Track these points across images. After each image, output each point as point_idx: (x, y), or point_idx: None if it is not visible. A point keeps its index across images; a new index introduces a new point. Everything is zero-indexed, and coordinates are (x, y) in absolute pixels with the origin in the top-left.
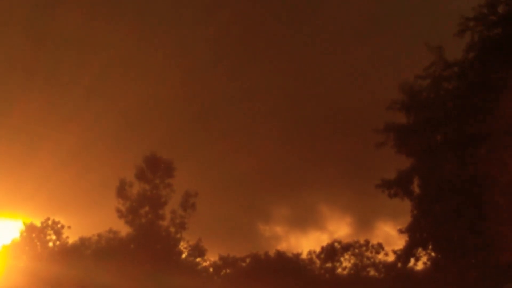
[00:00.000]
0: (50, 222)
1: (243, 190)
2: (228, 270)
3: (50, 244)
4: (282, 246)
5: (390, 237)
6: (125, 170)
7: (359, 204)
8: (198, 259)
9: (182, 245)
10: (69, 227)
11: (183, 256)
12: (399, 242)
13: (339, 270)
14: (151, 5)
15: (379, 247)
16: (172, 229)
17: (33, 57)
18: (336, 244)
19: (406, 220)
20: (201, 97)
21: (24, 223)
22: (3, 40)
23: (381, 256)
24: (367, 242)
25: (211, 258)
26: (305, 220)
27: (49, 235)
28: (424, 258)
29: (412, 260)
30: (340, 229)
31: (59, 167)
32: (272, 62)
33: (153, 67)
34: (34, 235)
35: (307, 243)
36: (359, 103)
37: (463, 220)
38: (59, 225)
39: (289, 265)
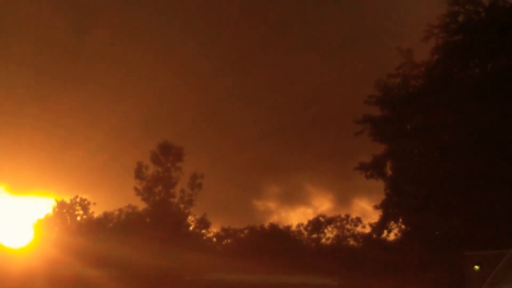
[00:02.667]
0: (78, 199)
1: (241, 172)
2: (229, 240)
3: (78, 218)
4: (274, 219)
5: (366, 212)
6: (142, 156)
7: (339, 184)
8: (203, 231)
9: (190, 219)
10: (94, 203)
11: (191, 228)
12: (374, 216)
13: (324, 240)
14: (170, 24)
15: (358, 220)
16: (182, 205)
17: (70, 68)
18: (320, 218)
19: (380, 197)
20: (209, 100)
21: (56, 200)
22: (47, 57)
23: (359, 228)
24: (347, 216)
25: (214, 229)
26: (293, 197)
27: (77, 210)
28: (395, 230)
29: (386, 232)
30: (323, 204)
31: (88, 154)
32: (269, 72)
33: (171, 74)
34: (64, 210)
35: (295, 217)
36: (341, 99)
37: (430, 198)
38: (86, 202)
39: (280, 236)
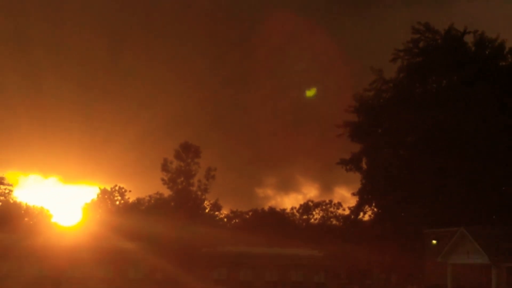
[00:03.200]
0: (117, 188)
1: (246, 166)
2: (236, 220)
3: (117, 202)
4: (272, 203)
5: (345, 197)
6: (167, 153)
7: (323, 175)
8: (216, 213)
9: (206, 203)
10: (130, 191)
11: (206, 211)
12: (351, 201)
13: (312, 220)
14: (187, 47)
15: (339, 205)
16: (199, 193)
17: (107, 82)
18: (309, 203)
19: (355, 186)
20: (219, 107)
21: (99, 188)
22: (89, 73)
23: (340, 211)
24: (330, 201)
25: (224, 212)
26: (287, 186)
27: (116, 196)
28: (369, 212)
29: (361, 214)
30: (311, 191)
31: (124, 152)
32: (268, 84)
33: (188, 87)
34: (106, 196)
35: (288, 201)
36: (324, 108)
37: (397, 187)
38: (123, 190)
39: (277, 216)
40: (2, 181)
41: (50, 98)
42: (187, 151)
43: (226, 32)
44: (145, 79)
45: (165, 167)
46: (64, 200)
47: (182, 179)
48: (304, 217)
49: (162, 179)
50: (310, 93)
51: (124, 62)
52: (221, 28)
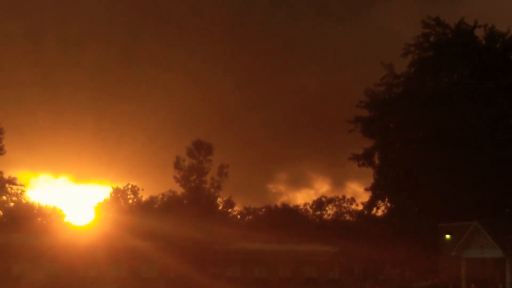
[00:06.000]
0: (129, 186)
1: (257, 163)
2: (250, 217)
3: (130, 201)
4: (284, 199)
5: (356, 192)
6: (179, 151)
7: (334, 170)
8: (229, 210)
9: (219, 201)
10: (142, 189)
11: (219, 208)
12: (364, 196)
13: (325, 216)
14: (197, 50)
15: (352, 200)
16: (212, 190)
17: (120, 85)
18: (323, 198)
19: (367, 181)
20: (231, 107)
21: (112, 187)
22: (102, 77)
23: (353, 206)
24: (343, 197)
25: (238, 208)
26: (299, 181)
27: (129, 195)
28: (382, 207)
29: (375, 209)
30: (322, 187)
31: (136, 150)
32: (278, 84)
33: (200, 88)
34: (118, 195)
35: (300, 197)
36: (336, 104)
37: (409, 181)
38: (136, 188)
39: (291, 213)
40: (14, 181)
41: (62, 98)
42: (200, 149)
43: (236, 32)
44: (157, 79)
45: (177, 165)
46: (77, 200)
47: (194, 176)
48: (318, 213)
49: (175, 177)
50: None
51: (137, 62)
52: (231, 29)
